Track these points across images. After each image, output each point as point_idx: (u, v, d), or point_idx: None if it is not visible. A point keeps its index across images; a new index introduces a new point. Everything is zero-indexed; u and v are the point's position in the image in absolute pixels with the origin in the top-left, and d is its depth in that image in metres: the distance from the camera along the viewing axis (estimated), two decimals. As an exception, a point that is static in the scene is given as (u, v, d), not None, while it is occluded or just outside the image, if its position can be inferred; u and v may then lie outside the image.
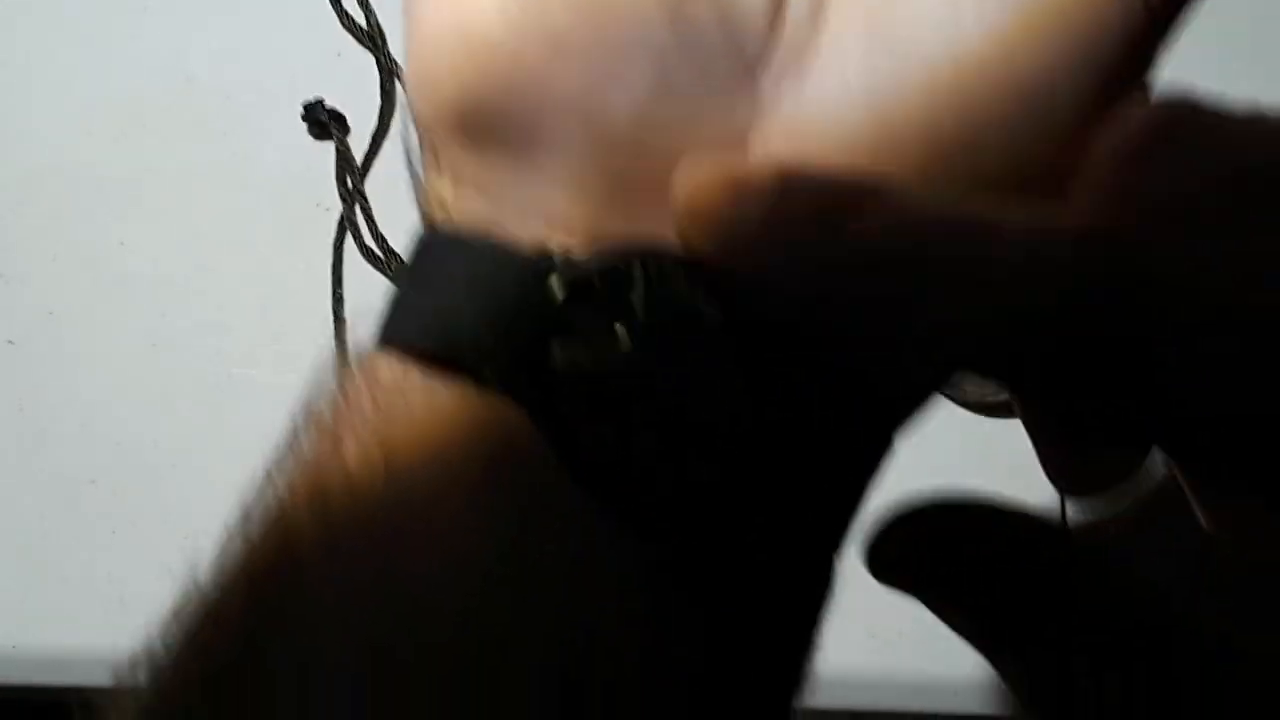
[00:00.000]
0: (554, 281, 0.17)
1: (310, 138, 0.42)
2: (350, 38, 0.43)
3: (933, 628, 0.18)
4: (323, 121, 0.41)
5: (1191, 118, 0.16)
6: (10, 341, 0.42)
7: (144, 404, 0.41)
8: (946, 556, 0.18)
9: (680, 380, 0.17)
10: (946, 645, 0.18)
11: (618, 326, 0.17)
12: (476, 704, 0.16)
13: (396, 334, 0.18)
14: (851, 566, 0.19)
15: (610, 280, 0.17)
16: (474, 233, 0.18)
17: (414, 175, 0.19)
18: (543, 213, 0.17)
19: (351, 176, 0.42)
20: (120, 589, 0.39)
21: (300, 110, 0.42)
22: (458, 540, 0.16)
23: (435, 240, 0.18)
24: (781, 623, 0.18)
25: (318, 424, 0.17)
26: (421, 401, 0.17)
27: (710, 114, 0.17)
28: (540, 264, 0.17)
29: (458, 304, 0.17)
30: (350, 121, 0.42)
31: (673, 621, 0.17)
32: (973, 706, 0.38)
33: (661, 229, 0.17)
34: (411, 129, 0.19)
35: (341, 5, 0.43)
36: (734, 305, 0.16)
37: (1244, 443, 0.15)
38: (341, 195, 0.42)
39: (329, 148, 0.42)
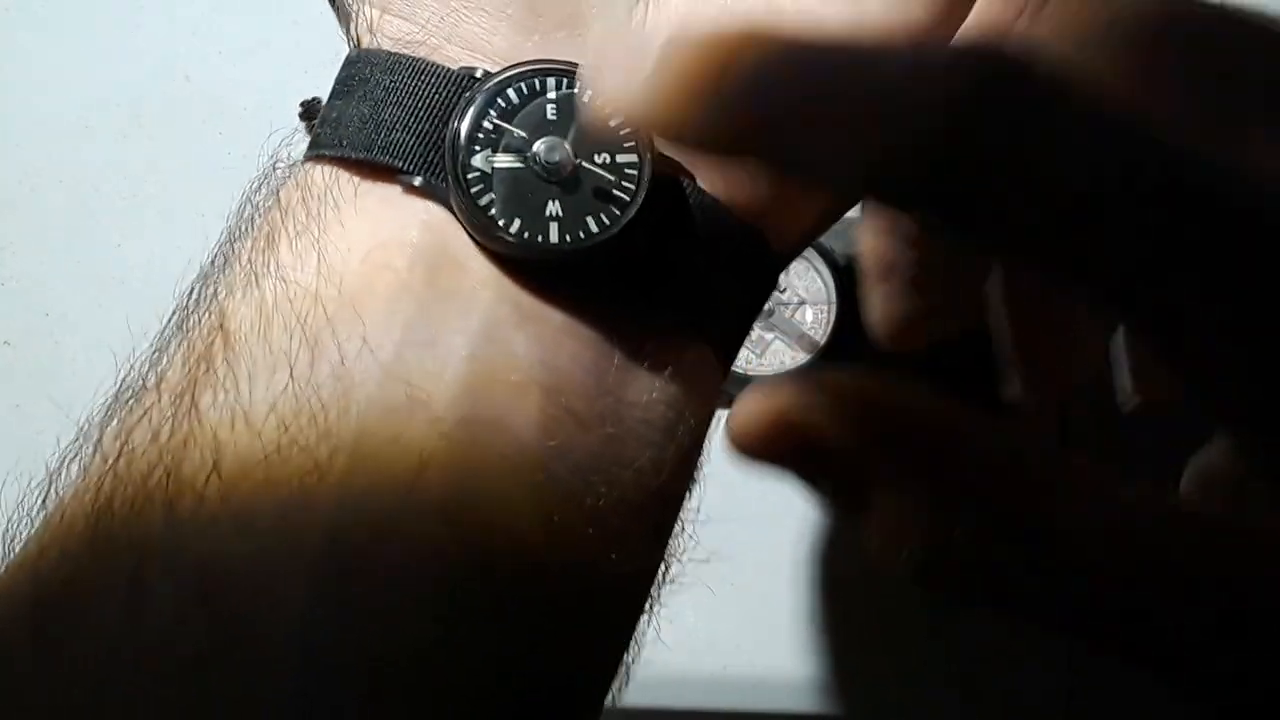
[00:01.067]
0: (469, 102, 0.18)
1: (308, 137, 0.42)
2: (348, 38, 0.43)
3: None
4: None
5: None
6: (7, 343, 0.42)
7: (141, 405, 0.40)
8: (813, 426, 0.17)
9: (590, 170, 0.18)
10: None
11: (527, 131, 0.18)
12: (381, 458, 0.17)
13: (327, 144, 0.19)
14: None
15: (527, 88, 0.18)
16: (402, 55, 0.19)
17: (343, 11, 0.20)
18: (464, 39, 0.19)
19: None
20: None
21: (298, 110, 0.42)
22: (370, 328, 0.17)
23: (363, 58, 0.19)
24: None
25: (254, 235, 0.19)
26: (351, 202, 0.18)
27: None
28: (462, 76, 0.18)
29: (384, 114, 0.18)
30: (348, 122, 0.42)
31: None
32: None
33: (571, 52, 0.18)
34: None
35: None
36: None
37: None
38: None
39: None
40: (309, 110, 0.42)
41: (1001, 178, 0.14)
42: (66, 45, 0.43)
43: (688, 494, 0.20)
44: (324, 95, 0.20)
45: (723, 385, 0.20)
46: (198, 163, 0.43)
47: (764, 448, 0.17)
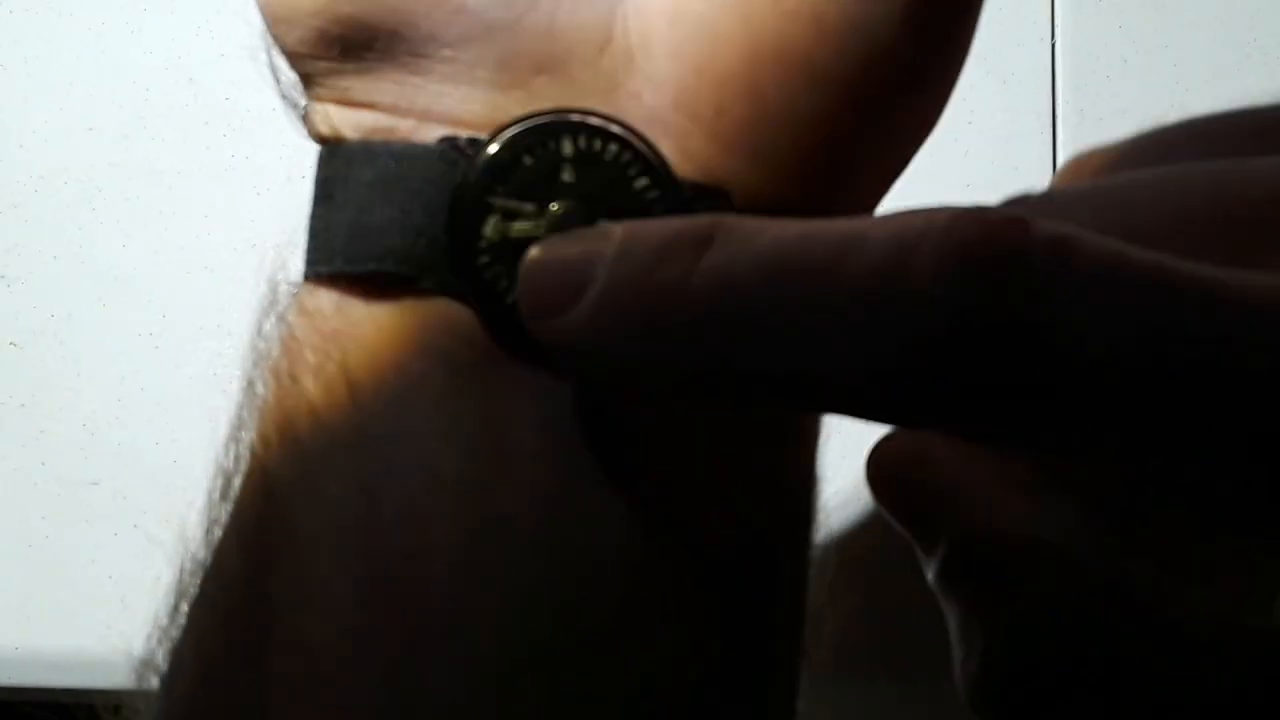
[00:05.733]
0: (473, 166, 0.16)
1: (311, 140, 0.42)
2: (351, 39, 0.43)
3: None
4: (324, 123, 0.41)
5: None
6: (12, 344, 0.42)
7: (146, 406, 0.41)
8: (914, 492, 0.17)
9: None
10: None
11: (551, 199, 0.16)
12: (473, 608, 0.16)
13: (321, 260, 0.17)
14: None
15: (531, 153, 0.16)
16: (376, 142, 0.17)
17: (292, 105, 0.18)
18: (438, 114, 0.17)
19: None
20: (122, 590, 0.39)
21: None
22: (429, 453, 0.16)
23: (338, 155, 0.17)
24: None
25: (273, 369, 0.17)
26: (367, 320, 0.17)
27: None
28: (446, 150, 0.16)
29: (375, 215, 0.17)
30: (351, 123, 0.42)
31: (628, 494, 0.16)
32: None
33: (560, 97, 0.17)
34: (279, 61, 0.18)
35: (342, 7, 0.43)
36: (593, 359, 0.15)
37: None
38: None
39: (330, 149, 0.42)
40: (312, 113, 0.42)
41: (1028, 369, 0.12)
42: (69, 47, 0.44)
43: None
44: (294, 112, 0.19)
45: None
46: (202, 164, 0.43)
47: (899, 487, 0.16)
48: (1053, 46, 0.41)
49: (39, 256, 0.42)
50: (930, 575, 0.17)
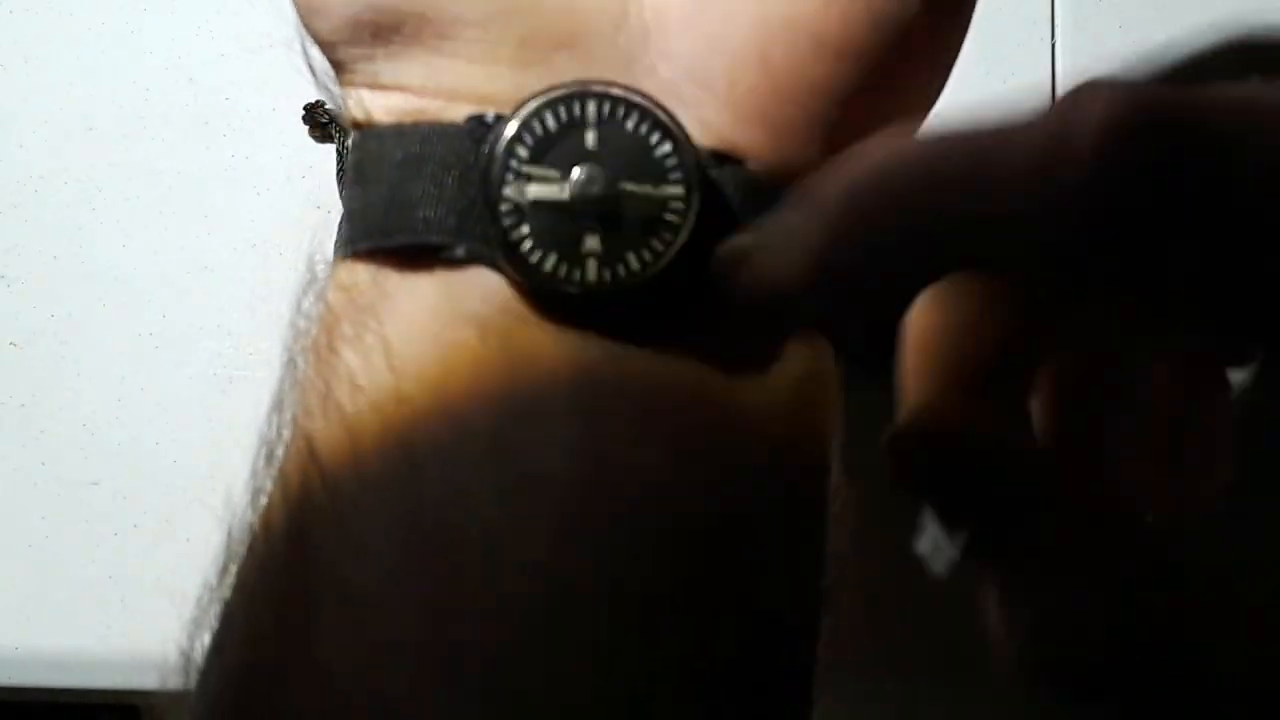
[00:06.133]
0: (499, 135, 0.17)
1: (311, 140, 0.42)
2: (351, 39, 0.43)
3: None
4: (323, 123, 0.41)
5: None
6: (12, 344, 0.42)
7: (146, 406, 0.41)
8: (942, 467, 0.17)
9: (634, 201, 0.17)
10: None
11: (575, 164, 0.17)
12: (509, 573, 0.16)
13: (358, 238, 0.18)
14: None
15: (555, 120, 0.17)
16: (406, 124, 0.18)
17: (326, 92, 0.19)
18: (464, 93, 0.18)
19: (352, 178, 0.42)
20: (122, 590, 0.39)
21: (301, 112, 0.42)
22: (462, 414, 0.17)
23: (368, 138, 0.18)
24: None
25: (312, 344, 0.18)
26: (402, 291, 0.18)
27: None
28: (473, 126, 0.18)
29: (408, 190, 0.17)
30: (351, 123, 0.42)
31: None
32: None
33: (579, 72, 0.18)
34: (311, 49, 0.19)
35: (342, 7, 0.43)
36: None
37: None
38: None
39: (329, 150, 0.42)
40: (312, 114, 0.42)
41: (1182, 222, 0.14)
42: (69, 47, 0.44)
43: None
44: (329, 99, 0.20)
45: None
46: (202, 164, 0.43)
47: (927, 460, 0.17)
48: (1053, 46, 0.41)
49: (39, 256, 0.42)
50: (958, 550, 0.17)
